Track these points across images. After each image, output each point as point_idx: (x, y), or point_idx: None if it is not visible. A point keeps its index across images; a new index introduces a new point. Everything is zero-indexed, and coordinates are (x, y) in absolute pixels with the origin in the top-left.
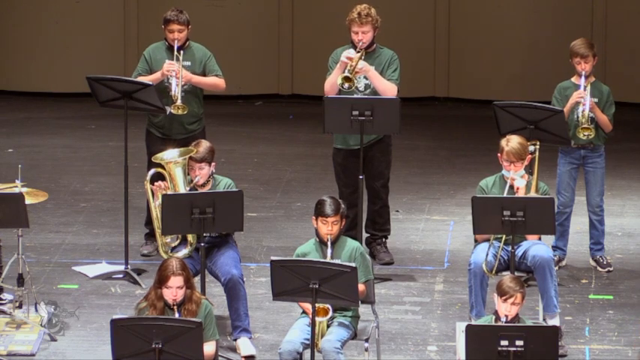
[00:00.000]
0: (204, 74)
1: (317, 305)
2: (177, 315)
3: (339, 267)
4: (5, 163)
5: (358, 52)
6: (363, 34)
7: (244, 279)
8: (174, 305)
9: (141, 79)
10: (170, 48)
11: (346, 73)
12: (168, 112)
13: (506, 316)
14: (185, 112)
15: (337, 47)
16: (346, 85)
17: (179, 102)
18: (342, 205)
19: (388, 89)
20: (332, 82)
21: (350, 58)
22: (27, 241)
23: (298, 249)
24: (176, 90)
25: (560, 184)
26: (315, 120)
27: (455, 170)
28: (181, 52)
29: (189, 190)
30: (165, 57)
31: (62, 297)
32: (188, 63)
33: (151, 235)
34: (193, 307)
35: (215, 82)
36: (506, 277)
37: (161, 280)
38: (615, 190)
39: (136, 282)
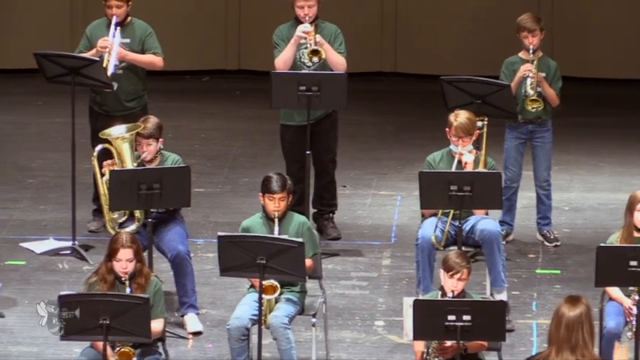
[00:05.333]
0: (143, 51)
1: (265, 283)
2: (128, 289)
3: (286, 242)
4: None
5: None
6: (308, 8)
7: (191, 255)
8: (125, 279)
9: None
10: (110, 24)
11: (313, 47)
12: (115, 88)
13: (453, 291)
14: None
15: (284, 23)
16: (315, 58)
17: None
18: (289, 182)
19: (340, 62)
20: (285, 59)
21: (307, 33)
22: None
23: (243, 222)
24: (109, 67)
25: (508, 159)
26: (262, 95)
27: (402, 145)
28: (118, 28)
29: (137, 165)
30: (105, 34)
31: (10, 273)
32: (127, 40)
33: (98, 212)
34: (143, 281)
35: (151, 59)
36: (453, 252)
37: (111, 254)
38: (562, 164)
39: (83, 258)
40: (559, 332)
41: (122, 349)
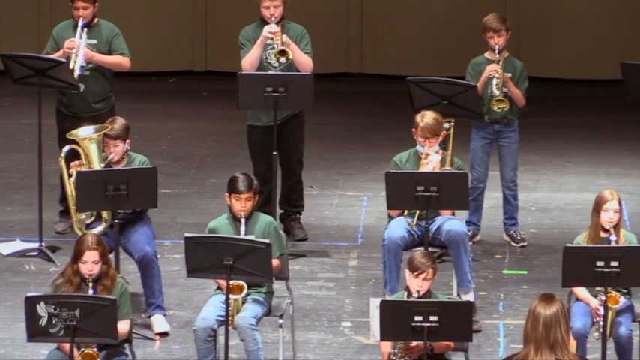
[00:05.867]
0: (110, 52)
1: (231, 283)
2: (91, 291)
3: (253, 243)
4: None
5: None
6: (274, 9)
7: (158, 256)
8: (89, 280)
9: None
10: (77, 26)
11: (281, 47)
12: (82, 89)
13: (418, 291)
14: None
15: (250, 23)
16: (282, 59)
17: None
18: (255, 182)
19: (307, 63)
20: (252, 60)
21: (274, 33)
22: None
23: (210, 223)
24: (76, 68)
25: (474, 159)
26: (228, 96)
27: (368, 146)
28: (85, 29)
29: (104, 167)
30: (72, 35)
31: None
32: (94, 41)
33: (65, 213)
34: (108, 283)
35: (119, 60)
36: (418, 252)
37: (77, 255)
38: (529, 165)
39: (50, 259)
40: (536, 331)
41: (86, 351)
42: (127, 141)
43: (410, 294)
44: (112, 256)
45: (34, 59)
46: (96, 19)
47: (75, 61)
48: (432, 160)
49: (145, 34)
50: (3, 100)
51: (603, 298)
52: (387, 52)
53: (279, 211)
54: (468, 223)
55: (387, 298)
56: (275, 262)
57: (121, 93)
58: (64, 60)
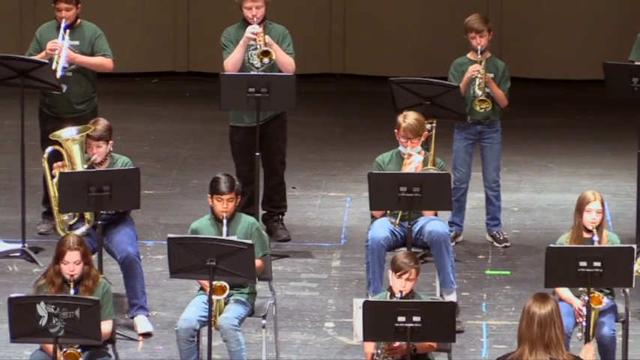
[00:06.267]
0: (93, 54)
1: (214, 283)
2: (72, 292)
3: (236, 244)
4: None
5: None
6: (256, 10)
7: (141, 257)
8: (71, 281)
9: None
10: (60, 27)
11: (264, 48)
12: (64, 90)
13: (401, 291)
14: None
15: (233, 24)
16: (266, 59)
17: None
18: (237, 182)
19: (289, 63)
20: (234, 60)
21: (256, 34)
22: None
23: (192, 224)
24: (58, 69)
25: (457, 159)
26: (211, 97)
27: (351, 147)
28: (67, 30)
29: (87, 168)
30: (55, 36)
31: None
32: (77, 42)
33: (48, 214)
34: (90, 284)
35: (101, 62)
36: (401, 252)
37: (58, 256)
38: (511, 165)
39: (33, 260)
40: (531, 330)
41: (69, 351)
42: (110, 142)
43: (393, 294)
44: (94, 257)
45: (17, 60)
46: (79, 21)
47: (57, 62)
48: (414, 160)
49: (127, 35)
50: None
51: (586, 298)
52: (370, 52)
53: (261, 212)
54: (451, 223)
55: (370, 298)
56: (258, 262)
57: (104, 94)
58: (46, 61)
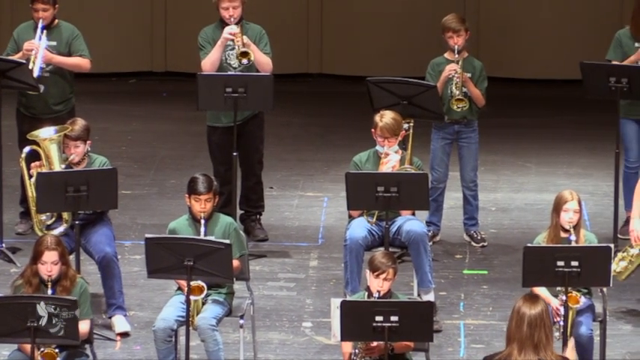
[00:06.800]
0: (70, 54)
1: (192, 283)
2: (50, 292)
3: (213, 244)
4: None
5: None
6: (233, 10)
7: (119, 257)
8: (48, 281)
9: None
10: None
11: (242, 49)
12: (42, 90)
13: (379, 291)
14: None
15: (210, 24)
16: (245, 60)
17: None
18: (215, 183)
19: (267, 63)
20: (212, 60)
21: (234, 34)
22: None
23: (170, 224)
24: (35, 69)
25: (434, 159)
26: (188, 97)
27: (328, 146)
28: (45, 31)
29: (64, 168)
30: (33, 36)
31: None
32: (54, 43)
33: (25, 214)
34: (68, 284)
35: (78, 62)
36: (378, 252)
37: (36, 256)
38: (489, 165)
39: (10, 260)
40: (521, 331)
41: (46, 351)
42: (88, 142)
43: (370, 294)
44: (72, 257)
45: None
46: (56, 21)
47: (34, 63)
48: (391, 159)
49: (104, 35)
50: None
51: (564, 298)
52: (347, 52)
53: (239, 212)
54: (429, 223)
55: (348, 298)
56: (235, 262)
57: (81, 94)
58: (23, 61)
